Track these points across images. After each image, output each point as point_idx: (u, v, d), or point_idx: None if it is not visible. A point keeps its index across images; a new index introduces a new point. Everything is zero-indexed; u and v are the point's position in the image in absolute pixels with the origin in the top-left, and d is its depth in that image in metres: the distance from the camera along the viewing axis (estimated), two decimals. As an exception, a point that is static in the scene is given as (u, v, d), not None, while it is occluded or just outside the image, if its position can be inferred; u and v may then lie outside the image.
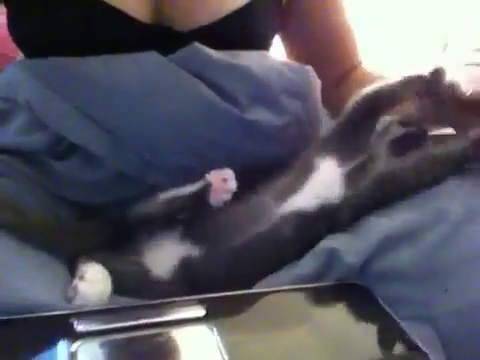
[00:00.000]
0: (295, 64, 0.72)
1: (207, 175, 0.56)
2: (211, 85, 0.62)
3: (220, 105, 0.61)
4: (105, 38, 0.64)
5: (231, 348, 0.41)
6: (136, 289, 0.52)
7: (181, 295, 0.48)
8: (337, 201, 0.54)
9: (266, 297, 0.49)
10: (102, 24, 0.64)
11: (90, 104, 0.60)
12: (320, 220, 0.54)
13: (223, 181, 0.55)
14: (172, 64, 0.62)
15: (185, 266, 0.54)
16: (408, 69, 0.61)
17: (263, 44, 0.74)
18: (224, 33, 0.67)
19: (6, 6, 0.69)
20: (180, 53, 0.63)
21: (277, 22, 0.76)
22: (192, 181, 0.58)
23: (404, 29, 1.76)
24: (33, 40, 0.67)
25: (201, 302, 0.46)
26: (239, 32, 0.69)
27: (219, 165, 0.59)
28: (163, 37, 0.65)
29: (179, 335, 0.43)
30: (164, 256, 0.55)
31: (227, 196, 0.55)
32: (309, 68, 0.70)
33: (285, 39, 0.83)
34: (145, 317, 0.43)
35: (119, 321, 0.43)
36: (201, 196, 0.55)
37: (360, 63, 0.83)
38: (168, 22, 0.66)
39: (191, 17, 0.66)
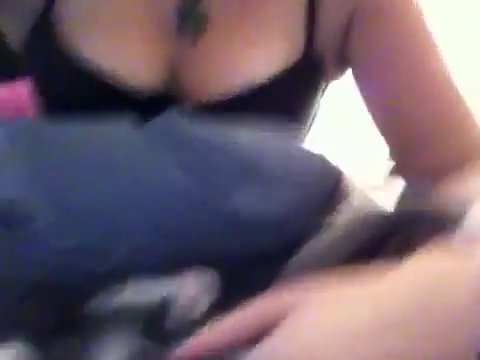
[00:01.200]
0: (304, 148, 0.63)
1: (174, 285, 0.44)
2: (187, 165, 0.53)
3: (194, 191, 0.52)
4: (91, 107, 0.59)
5: None
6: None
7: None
8: None
9: None
10: (89, 94, 0.61)
11: (43, 174, 0.53)
12: None
13: (191, 301, 0.42)
14: (141, 138, 0.54)
15: None
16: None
17: (290, 120, 0.64)
18: (239, 109, 0.61)
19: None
20: (156, 123, 0.55)
21: (314, 97, 0.67)
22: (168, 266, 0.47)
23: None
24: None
25: None
26: (256, 109, 0.61)
27: (192, 257, 0.49)
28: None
29: None
30: (115, 347, 0.45)
31: (188, 321, 0.42)
32: (323, 156, 0.60)
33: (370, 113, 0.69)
34: None
35: None
36: (161, 313, 0.43)
37: None
38: (182, 93, 0.62)
39: (206, 90, 0.62)
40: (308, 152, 0.62)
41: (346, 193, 0.61)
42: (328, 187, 0.61)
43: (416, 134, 0.64)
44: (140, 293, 0.46)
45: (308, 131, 0.71)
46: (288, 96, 0.63)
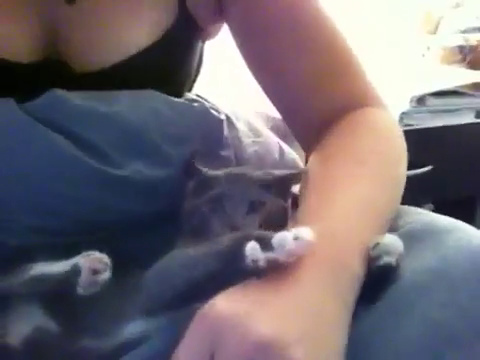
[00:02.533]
0: (185, 104, 0.63)
1: (79, 259, 0.49)
2: (73, 138, 0.55)
3: (81, 161, 0.55)
4: None
5: None
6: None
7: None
8: None
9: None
10: None
11: None
12: None
13: (94, 273, 0.47)
14: (24, 115, 0.55)
15: (38, 338, 0.48)
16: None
17: (173, 82, 0.66)
18: (125, 75, 0.61)
19: None
20: (38, 101, 0.56)
21: (193, 54, 0.68)
22: (65, 246, 0.50)
23: (395, 10, 1.68)
24: None
25: None
26: (140, 75, 0.62)
27: (88, 225, 0.55)
28: (56, 77, 0.59)
29: None
30: (21, 321, 0.48)
31: (96, 289, 0.48)
32: (204, 106, 0.64)
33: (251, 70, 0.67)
34: None
35: None
36: (69, 282, 0.48)
37: (358, 105, 0.62)
38: (67, 59, 0.61)
39: (88, 57, 0.60)
40: (190, 106, 0.63)
41: (230, 140, 0.67)
42: (211, 138, 0.64)
43: (297, 86, 0.63)
44: (49, 266, 0.49)
45: (193, 86, 0.73)
46: (169, 58, 0.64)
